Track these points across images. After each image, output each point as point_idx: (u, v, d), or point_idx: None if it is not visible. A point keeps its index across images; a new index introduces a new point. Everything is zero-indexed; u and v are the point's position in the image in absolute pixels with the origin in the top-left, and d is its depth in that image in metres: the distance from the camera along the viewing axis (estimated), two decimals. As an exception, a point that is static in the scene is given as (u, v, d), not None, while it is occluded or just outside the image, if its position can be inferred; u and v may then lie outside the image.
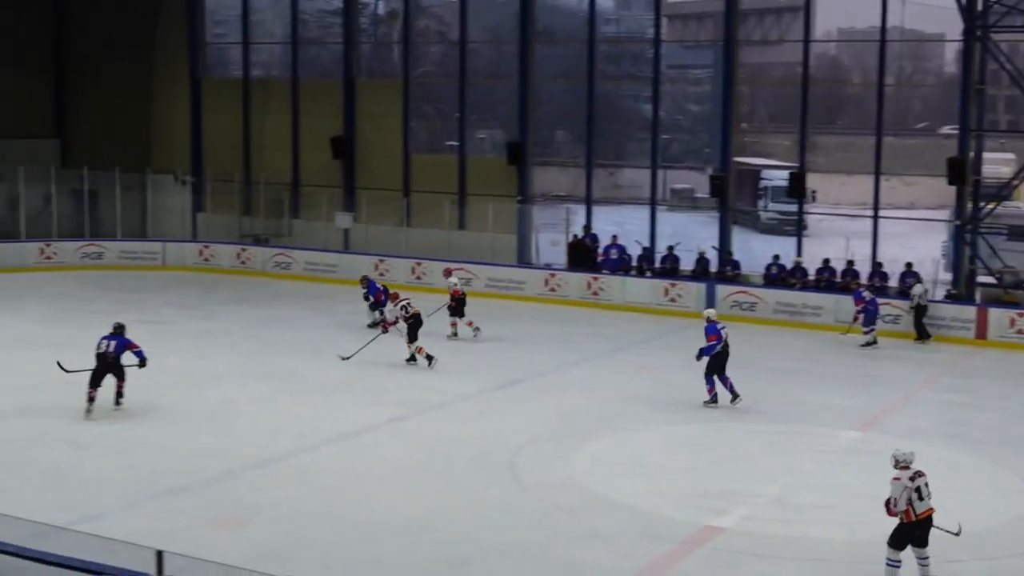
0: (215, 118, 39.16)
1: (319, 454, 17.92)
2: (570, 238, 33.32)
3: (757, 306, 29.62)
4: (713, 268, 31.49)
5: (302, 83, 38.08)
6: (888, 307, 27.99)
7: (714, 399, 20.77)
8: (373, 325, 26.15)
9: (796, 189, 31.69)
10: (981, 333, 27.50)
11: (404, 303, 23.85)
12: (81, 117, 41.69)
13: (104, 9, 40.49)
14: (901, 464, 12.72)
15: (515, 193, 34.53)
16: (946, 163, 29.16)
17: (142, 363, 19.69)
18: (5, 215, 36.27)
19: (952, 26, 29.63)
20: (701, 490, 16.41)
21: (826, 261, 30.39)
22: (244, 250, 36.27)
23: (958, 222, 29.65)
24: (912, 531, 12.68)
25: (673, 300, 30.54)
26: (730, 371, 20.88)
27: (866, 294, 27.13)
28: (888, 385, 23.85)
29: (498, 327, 28.00)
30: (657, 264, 32.40)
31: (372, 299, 27.14)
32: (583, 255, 32.63)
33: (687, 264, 31.89)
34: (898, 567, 12.78)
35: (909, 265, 29.25)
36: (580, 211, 34.32)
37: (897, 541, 12.76)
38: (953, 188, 29.43)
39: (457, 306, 26.72)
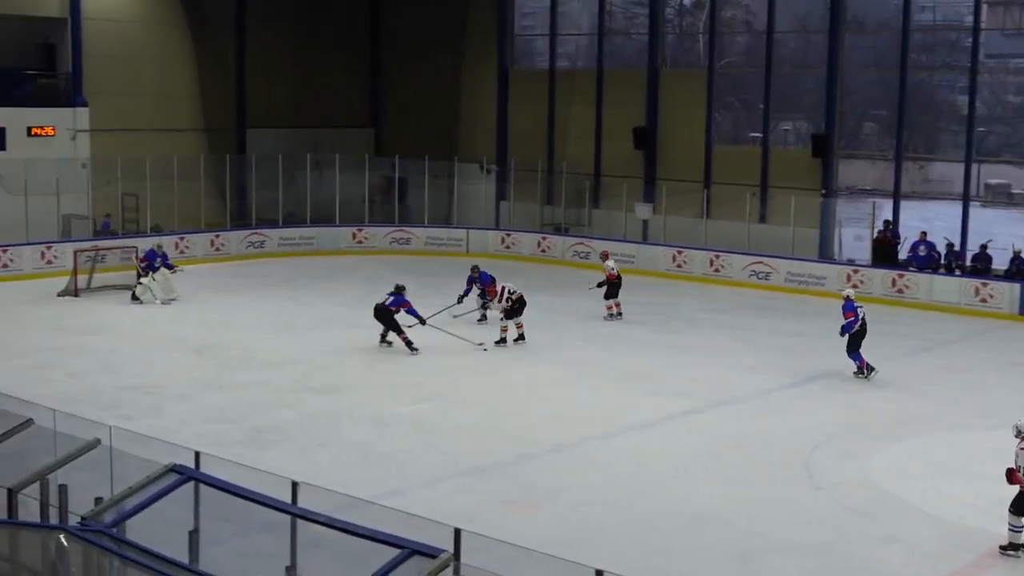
0: (520, 108, 39.93)
1: (614, 442, 18.04)
2: (875, 233, 32.28)
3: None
4: (1030, 268, 29.84)
5: (606, 73, 38.33)
6: None
7: (860, 370, 21.84)
8: (483, 319, 26.41)
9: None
10: None
11: (505, 288, 24.57)
12: (394, 107, 43.39)
13: (418, 3, 41.98)
14: (1022, 432, 13.43)
15: (819, 186, 33.71)
16: None
17: (421, 321, 22.68)
18: (323, 201, 38.08)
19: None
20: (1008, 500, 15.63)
21: None
22: (545, 239, 36.84)
23: None
24: None
25: (984, 301, 29.15)
26: None
27: None
28: None
29: (798, 323, 27.47)
30: (968, 262, 30.98)
31: (482, 290, 26.69)
32: (888, 251, 31.57)
33: (1000, 263, 30.34)
34: (1021, 532, 13.56)
35: None
36: (886, 206, 33.17)
37: (1020, 508, 13.49)
38: None
39: (612, 289, 27.36)
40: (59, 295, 28.55)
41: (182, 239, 34.42)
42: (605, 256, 29.01)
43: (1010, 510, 13.63)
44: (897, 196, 33.06)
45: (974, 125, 32.44)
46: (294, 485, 9.30)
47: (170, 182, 34.60)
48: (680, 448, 17.87)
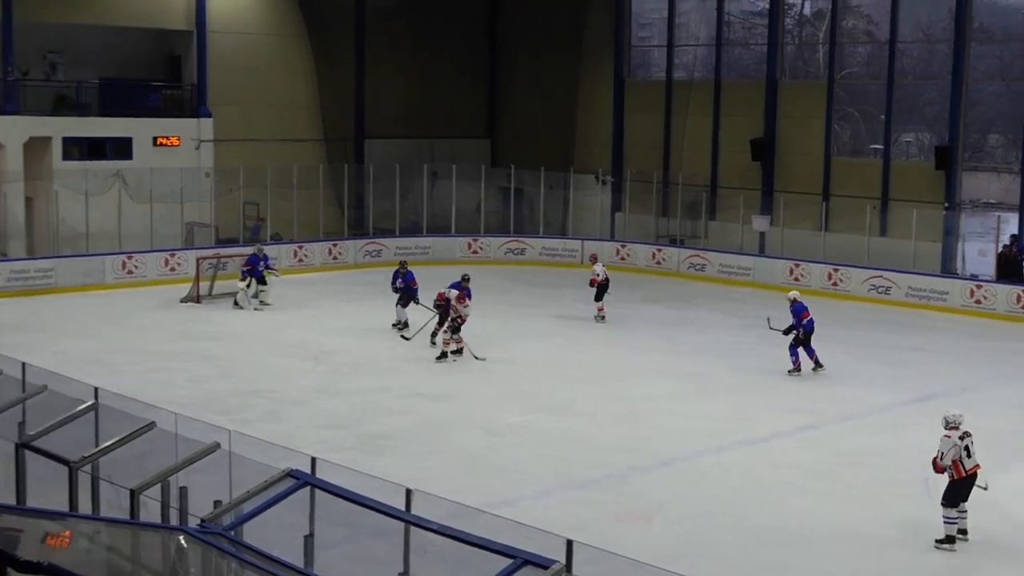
0: (636, 119, 39.82)
1: (727, 456, 17.86)
2: (999, 248, 31.51)
3: None
4: None
5: (723, 84, 38.06)
6: None
7: (797, 368, 22.79)
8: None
9: None
10: None
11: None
12: (510, 118, 43.60)
13: (534, 14, 42.15)
14: (951, 425, 14.16)
15: (942, 199, 33.02)
16: None
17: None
18: (439, 211, 38.39)
19: None
20: None
21: None
22: (660, 250, 36.66)
23: None
24: (962, 487, 14.04)
25: (1114, 318, 28.31)
26: None
27: None
28: None
29: (918, 338, 26.96)
30: (1095, 278, 30.08)
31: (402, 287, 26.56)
32: (1013, 266, 30.79)
33: None
34: (955, 523, 14.06)
35: None
36: (1012, 220, 32.36)
37: (950, 499, 14.08)
38: None
39: (600, 291, 27.71)
40: (182, 301, 29.18)
41: (300, 247, 34.97)
42: (594, 260, 28.96)
43: (942, 503, 14.16)
44: (1023, 210, 32.24)
45: (1104, 137, 31.53)
46: (408, 492, 9.36)
47: (290, 191, 35.20)
48: (795, 463, 17.62)
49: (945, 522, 14.09)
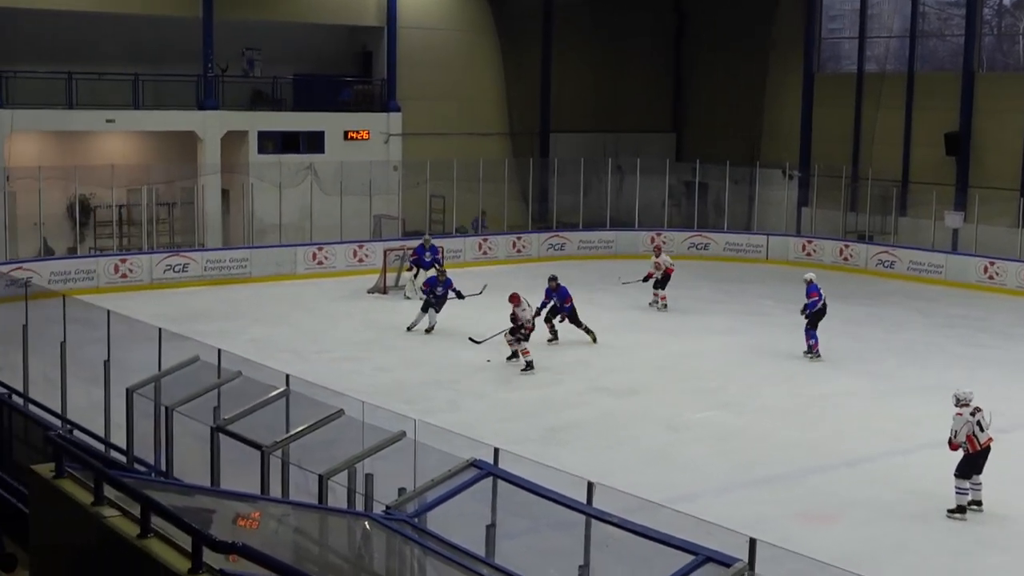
0: (825, 113, 39.04)
1: (913, 457, 17.41)
2: None
3: None
4: None
5: (917, 77, 37.00)
6: None
7: (810, 350, 23.22)
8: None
9: None
10: None
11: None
12: (696, 112, 43.24)
13: (723, 7, 41.68)
14: (962, 402, 14.82)
15: None
16: None
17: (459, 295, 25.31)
18: (623, 205, 38.32)
19: None
20: None
21: None
22: (847, 246, 35.88)
23: None
24: (977, 460, 14.70)
25: None
26: None
27: None
28: None
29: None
30: None
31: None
32: None
33: None
34: (967, 494, 14.66)
35: None
36: None
37: (963, 471, 14.69)
38: None
39: (664, 279, 28.06)
40: (369, 292, 29.80)
41: (485, 240, 35.35)
42: (658, 251, 28.91)
43: (955, 474, 14.78)
44: None
45: None
46: (590, 485, 9.37)
47: (475, 184, 35.60)
48: (988, 467, 17.03)
49: (957, 493, 14.78)
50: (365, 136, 35.67)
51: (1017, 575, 13.34)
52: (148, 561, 6.08)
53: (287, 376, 12.76)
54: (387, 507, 9.42)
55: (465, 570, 8.22)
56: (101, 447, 14.10)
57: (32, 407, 14.97)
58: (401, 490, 9.79)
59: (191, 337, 17.28)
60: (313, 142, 34.86)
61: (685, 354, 23.64)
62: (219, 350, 13.92)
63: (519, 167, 37.94)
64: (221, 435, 12.19)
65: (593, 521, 9.01)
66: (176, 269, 30.51)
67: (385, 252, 30.70)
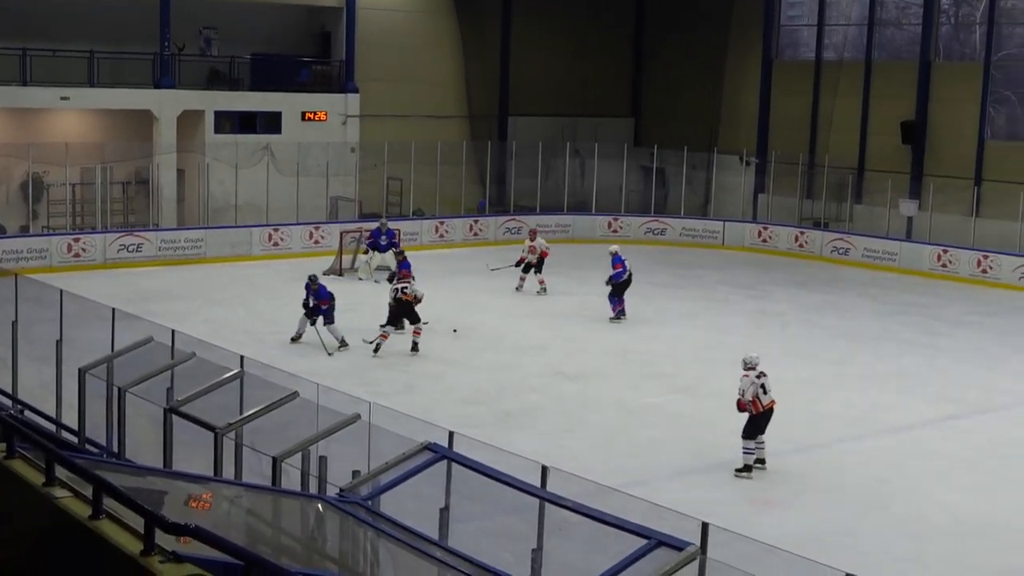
0: (783, 100, 39.23)
1: (868, 444, 17.57)
2: None
3: None
4: None
5: (875, 65, 37.23)
6: None
7: (616, 316, 24.91)
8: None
9: None
10: None
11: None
12: (655, 97, 43.30)
13: (683, -8, 41.81)
14: (749, 366, 15.80)
15: (1101, 185, 31.90)
16: None
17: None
18: (580, 189, 38.37)
19: None
20: None
21: None
22: (803, 233, 36.09)
23: None
24: (759, 422, 15.65)
25: None
26: None
27: None
28: None
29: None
30: None
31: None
32: None
33: None
34: (753, 454, 15.71)
35: None
36: None
37: (749, 433, 15.71)
38: None
39: (539, 263, 28.00)
40: (324, 274, 29.62)
41: (442, 223, 35.29)
42: (534, 234, 28.86)
43: (742, 436, 15.73)
44: None
45: None
46: (544, 469, 9.40)
47: (433, 167, 35.50)
48: (938, 454, 17.24)
49: (744, 453, 15.74)
50: (323, 117, 35.49)
51: (943, 560, 13.50)
52: (100, 542, 6.04)
53: (241, 357, 12.71)
54: (341, 489, 9.41)
55: (418, 553, 8.23)
56: (52, 428, 14.00)
57: (-18, 387, 14.82)
58: (355, 473, 9.79)
59: (144, 318, 17.15)
60: (270, 122, 34.62)
61: (641, 339, 23.72)
62: (173, 331, 13.84)
63: (477, 150, 37.88)
64: (174, 416, 12.14)
65: (547, 505, 9.05)
66: (130, 249, 30.27)
67: (342, 234, 30.57)
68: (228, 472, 11.36)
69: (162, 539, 5.84)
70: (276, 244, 32.29)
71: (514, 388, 19.94)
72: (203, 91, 33.87)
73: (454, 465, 9.50)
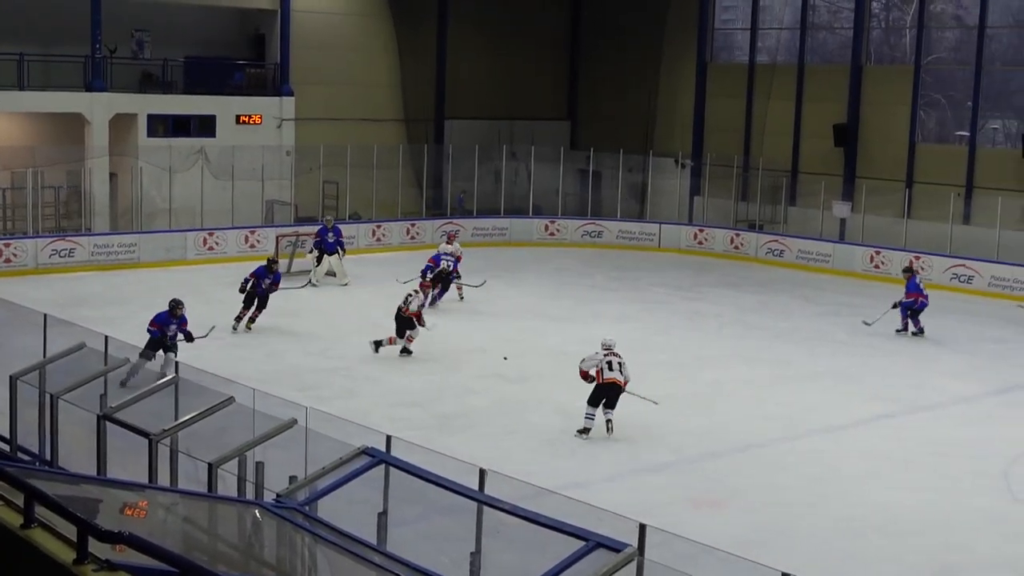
0: (718, 103, 39.51)
1: (804, 443, 17.73)
2: (1088, 238, 30.86)
3: None
4: None
5: (807, 69, 37.62)
6: None
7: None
8: None
9: None
10: None
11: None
12: (590, 100, 43.46)
13: (617, -4, 41.99)
14: (604, 347, 17.73)
15: (1029, 188, 32.42)
16: None
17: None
18: (517, 192, 38.41)
19: None
20: None
21: None
22: (738, 235, 36.37)
23: None
24: (600, 392, 17.36)
25: None
26: None
27: None
28: None
29: (1002, 329, 26.56)
30: None
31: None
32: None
33: None
34: (592, 419, 17.33)
35: None
36: (1102, 210, 31.70)
37: (593, 400, 17.39)
38: None
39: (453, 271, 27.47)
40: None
41: (379, 227, 35.19)
42: (451, 239, 28.92)
43: (587, 402, 17.38)
44: (1114, 200, 31.57)
45: None
46: (482, 472, 9.40)
47: (370, 171, 35.37)
48: (874, 453, 17.44)
49: (586, 417, 17.38)
50: (257, 120, 35.25)
51: (880, 558, 13.66)
52: (32, 552, 5.95)
53: (176, 363, 12.60)
54: (277, 495, 9.34)
55: (356, 558, 8.19)
56: (-17, 436, 13.78)
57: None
58: (292, 478, 9.72)
59: (77, 323, 16.96)
60: (204, 126, 34.32)
61: (578, 340, 23.71)
62: (106, 336, 13.69)
63: (413, 154, 37.81)
64: (108, 423, 12.00)
65: (484, 508, 9.04)
66: (62, 254, 29.88)
67: (277, 238, 30.36)
68: (163, 479, 11.25)
69: (96, 547, 5.76)
70: (211, 248, 32.02)
71: (454, 391, 19.92)
72: (136, 94, 33.51)
73: (392, 469, 9.47)
